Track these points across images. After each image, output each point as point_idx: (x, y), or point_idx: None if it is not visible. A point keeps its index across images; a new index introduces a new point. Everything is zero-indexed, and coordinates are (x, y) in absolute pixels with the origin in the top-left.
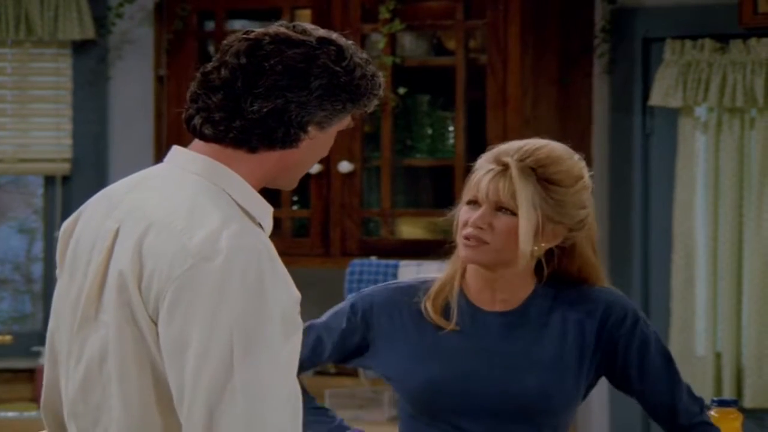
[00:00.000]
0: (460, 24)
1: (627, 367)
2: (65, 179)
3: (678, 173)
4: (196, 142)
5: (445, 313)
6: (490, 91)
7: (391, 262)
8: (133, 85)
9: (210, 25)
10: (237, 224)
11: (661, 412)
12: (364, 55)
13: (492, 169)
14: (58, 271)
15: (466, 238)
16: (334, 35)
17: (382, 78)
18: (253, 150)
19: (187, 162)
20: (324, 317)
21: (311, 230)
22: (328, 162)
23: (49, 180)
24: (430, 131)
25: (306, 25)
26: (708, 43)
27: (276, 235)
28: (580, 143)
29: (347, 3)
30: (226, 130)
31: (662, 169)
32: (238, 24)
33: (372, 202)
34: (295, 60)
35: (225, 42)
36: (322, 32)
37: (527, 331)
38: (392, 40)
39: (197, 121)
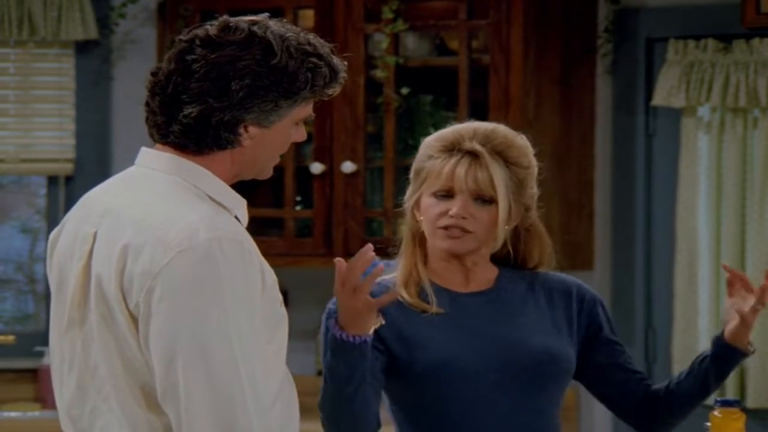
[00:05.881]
0: (462, 24)
1: (599, 344)
2: (68, 179)
3: (681, 173)
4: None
5: (422, 298)
6: (493, 92)
7: (392, 262)
8: (136, 86)
9: None
10: (213, 216)
11: (633, 379)
12: (312, 47)
13: (461, 158)
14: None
15: (446, 228)
16: (269, 30)
17: (336, 64)
18: (198, 152)
19: (153, 161)
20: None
21: (314, 230)
22: (331, 162)
23: (52, 180)
24: (432, 131)
25: (243, 20)
26: (711, 43)
27: (279, 235)
28: (583, 143)
29: (350, 3)
30: (166, 134)
31: (665, 169)
32: None
33: (375, 202)
34: (217, 63)
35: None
36: (256, 29)
37: (515, 306)
38: (395, 40)
39: (149, 124)
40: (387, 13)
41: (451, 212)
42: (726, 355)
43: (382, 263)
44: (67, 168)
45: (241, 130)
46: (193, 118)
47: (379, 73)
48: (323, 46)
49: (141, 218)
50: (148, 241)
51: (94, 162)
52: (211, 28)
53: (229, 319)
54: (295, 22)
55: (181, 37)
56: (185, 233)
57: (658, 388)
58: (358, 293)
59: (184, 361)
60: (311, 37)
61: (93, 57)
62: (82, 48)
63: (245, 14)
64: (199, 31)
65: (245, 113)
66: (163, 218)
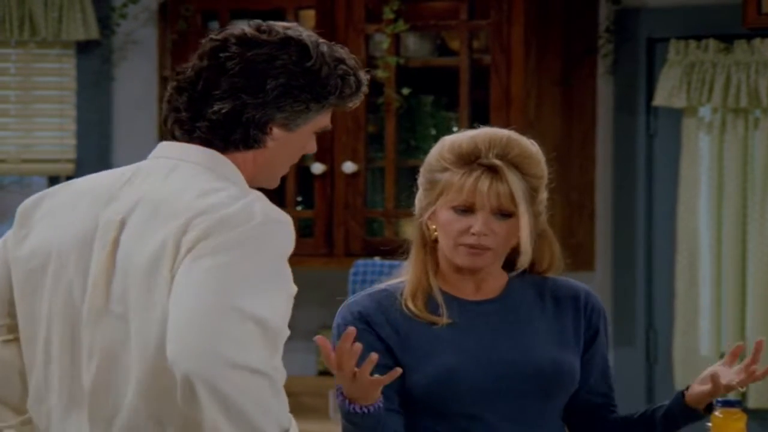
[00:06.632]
0: (463, 24)
1: (596, 352)
2: (69, 179)
3: (682, 174)
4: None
5: (429, 309)
6: (494, 92)
7: (395, 262)
8: (137, 86)
9: (214, 26)
10: (263, 199)
11: (609, 394)
12: (341, 54)
13: (481, 174)
14: (5, 243)
15: (470, 246)
16: (304, 34)
17: (362, 76)
18: (223, 150)
19: (180, 153)
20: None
21: (315, 230)
22: (332, 162)
23: (53, 180)
24: (433, 132)
25: (277, 24)
26: (712, 43)
27: None
28: (584, 144)
29: (351, 3)
30: (191, 130)
31: (666, 169)
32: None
33: (376, 202)
34: (254, 61)
35: (202, 41)
36: (291, 32)
37: (522, 315)
38: (396, 40)
39: (170, 121)
40: (388, 14)
41: (473, 230)
42: (679, 412)
43: (374, 354)
44: (68, 168)
45: (267, 130)
46: (223, 115)
47: (380, 74)
48: (350, 58)
49: (189, 203)
50: (205, 219)
51: (94, 162)
52: (247, 28)
53: (266, 297)
54: (295, 22)
55: (213, 36)
56: (243, 209)
57: (613, 419)
58: (359, 376)
59: (204, 317)
60: (340, 47)
61: (94, 57)
62: (83, 48)
63: (246, 15)
64: (234, 30)
65: (277, 112)
66: (211, 202)
